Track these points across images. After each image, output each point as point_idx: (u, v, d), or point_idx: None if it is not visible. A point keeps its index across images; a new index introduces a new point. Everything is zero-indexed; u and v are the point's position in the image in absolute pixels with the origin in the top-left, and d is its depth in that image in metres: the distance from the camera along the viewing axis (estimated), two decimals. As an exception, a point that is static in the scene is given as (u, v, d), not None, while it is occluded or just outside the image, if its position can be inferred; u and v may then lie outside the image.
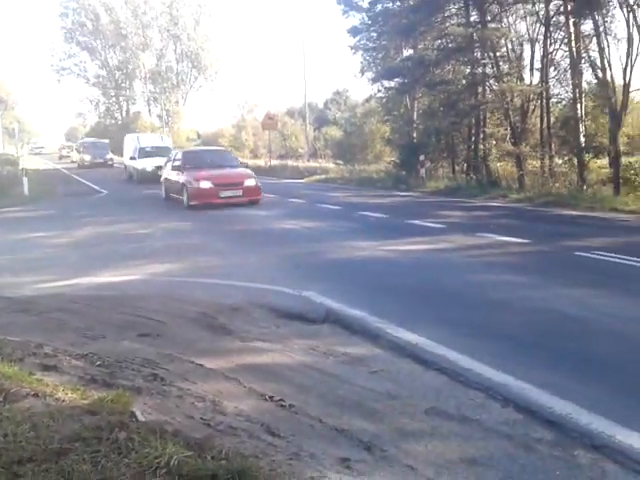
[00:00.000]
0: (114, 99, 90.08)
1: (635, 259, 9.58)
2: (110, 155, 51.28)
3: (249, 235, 13.89)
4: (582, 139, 23.79)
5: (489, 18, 27.59)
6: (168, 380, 4.63)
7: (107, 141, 58.59)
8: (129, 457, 3.21)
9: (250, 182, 19.93)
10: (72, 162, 57.98)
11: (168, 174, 22.14)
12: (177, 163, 21.41)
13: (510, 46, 28.53)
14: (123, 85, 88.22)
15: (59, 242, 13.39)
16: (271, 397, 4.49)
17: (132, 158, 32.57)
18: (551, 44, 26.71)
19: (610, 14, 23.74)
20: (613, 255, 9.91)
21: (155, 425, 3.60)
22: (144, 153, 32.88)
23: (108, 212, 19.39)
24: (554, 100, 28.34)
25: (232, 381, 4.79)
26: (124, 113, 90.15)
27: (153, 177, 27.77)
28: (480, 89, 28.10)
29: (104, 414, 3.69)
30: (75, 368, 4.82)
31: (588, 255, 10.09)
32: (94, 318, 6.76)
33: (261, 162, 47.69)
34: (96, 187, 29.45)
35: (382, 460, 3.68)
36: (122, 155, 43.88)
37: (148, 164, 31.16)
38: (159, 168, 26.11)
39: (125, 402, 3.92)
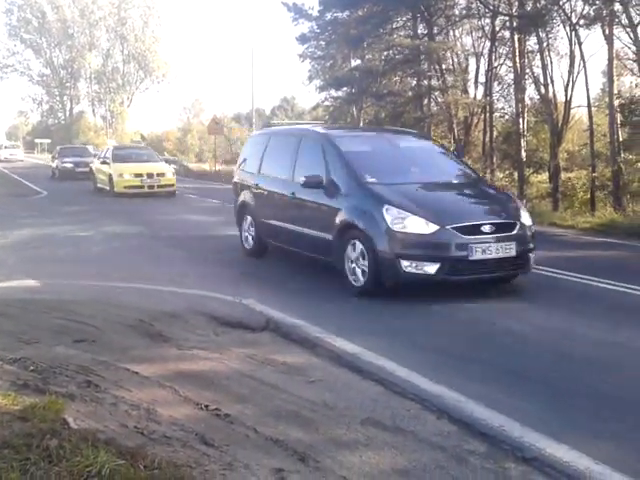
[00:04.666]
0: (58, 98, 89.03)
1: (570, 273, 9.79)
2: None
3: (191, 241, 13.79)
4: (523, 154, 24.28)
5: (436, 31, 28.06)
6: (102, 387, 4.57)
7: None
8: (60, 465, 3.17)
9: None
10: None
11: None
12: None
13: (456, 59, 29.08)
14: (68, 84, 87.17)
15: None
16: (207, 406, 4.47)
17: None
18: (496, 59, 27.33)
19: (554, 31, 24.36)
20: (548, 269, 10.10)
21: (87, 433, 3.56)
22: None
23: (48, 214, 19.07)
24: (497, 114, 28.91)
25: (168, 389, 4.76)
26: (67, 113, 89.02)
27: None
28: (426, 101, 28.48)
29: (35, 421, 3.64)
30: (7, 373, 4.74)
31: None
32: (28, 322, 6.63)
33: (206, 167, 47.47)
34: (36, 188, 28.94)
35: (316, 471, 3.69)
36: (56, 159, 37.20)
37: None
38: None
39: (57, 409, 3.86)
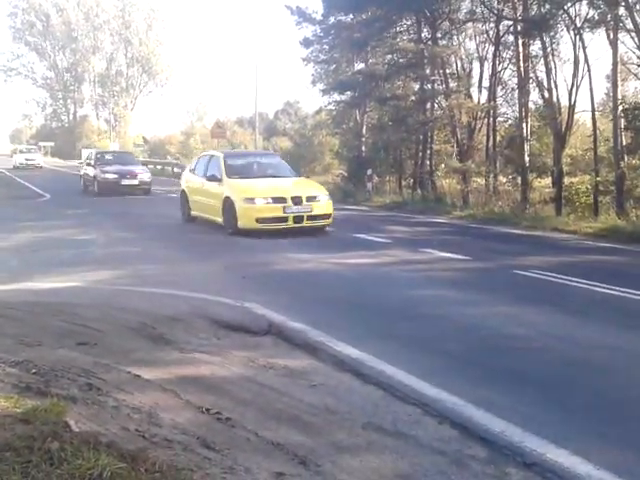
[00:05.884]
0: (62, 101, 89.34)
1: (571, 278, 9.77)
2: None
3: (193, 244, 13.79)
4: (526, 158, 24.25)
5: (440, 35, 28.05)
6: (104, 390, 4.57)
7: None
8: (61, 468, 3.16)
9: None
10: None
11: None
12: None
13: (459, 64, 29.10)
14: (71, 88, 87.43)
15: (-1, 246, 13.06)
16: (208, 410, 4.47)
17: None
18: (499, 63, 27.31)
19: (558, 36, 24.36)
20: (551, 274, 10.10)
21: (89, 436, 3.56)
22: None
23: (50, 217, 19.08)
24: (501, 119, 28.91)
25: (169, 393, 4.75)
26: (71, 116, 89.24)
27: None
28: (429, 105, 28.46)
29: (37, 423, 3.64)
30: (9, 375, 4.73)
31: (526, 273, 10.26)
32: (31, 325, 6.64)
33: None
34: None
35: (317, 475, 3.69)
36: (91, 167, 28.27)
37: None
38: None
39: (59, 412, 3.86)
